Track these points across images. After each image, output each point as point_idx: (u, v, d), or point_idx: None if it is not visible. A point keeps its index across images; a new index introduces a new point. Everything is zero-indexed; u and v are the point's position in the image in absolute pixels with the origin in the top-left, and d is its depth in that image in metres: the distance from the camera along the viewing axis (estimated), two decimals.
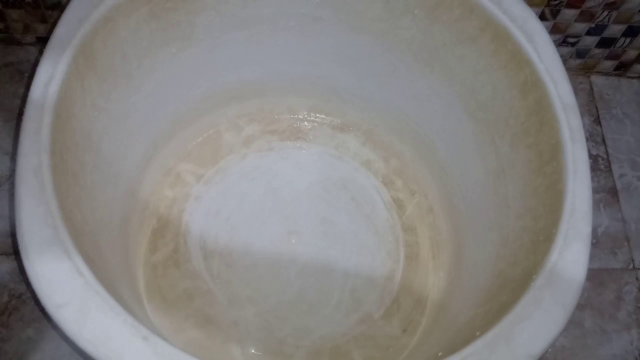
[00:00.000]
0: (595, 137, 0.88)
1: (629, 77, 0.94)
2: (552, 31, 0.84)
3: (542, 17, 0.81)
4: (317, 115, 0.81)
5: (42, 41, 0.86)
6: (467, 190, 0.69)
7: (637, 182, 0.86)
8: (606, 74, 0.93)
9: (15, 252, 0.73)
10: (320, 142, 0.80)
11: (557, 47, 0.58)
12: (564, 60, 0.73)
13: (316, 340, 0.68)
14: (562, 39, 0.86)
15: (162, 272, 0.70)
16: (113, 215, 0.62)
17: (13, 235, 0.74)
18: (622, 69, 0.92)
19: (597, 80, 0.93)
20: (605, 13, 0.81)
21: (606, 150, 0.87)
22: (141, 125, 0.67)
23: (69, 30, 0.53)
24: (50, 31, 0.64)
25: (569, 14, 0.81)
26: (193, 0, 0.62)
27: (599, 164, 0.86)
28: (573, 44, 0.87)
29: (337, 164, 0.79)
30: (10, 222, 0.75)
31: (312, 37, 0.70)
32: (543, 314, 0.46)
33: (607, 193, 0.84)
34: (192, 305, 0.68)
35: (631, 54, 0.89)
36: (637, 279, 0.79)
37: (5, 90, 0.83)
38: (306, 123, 0.81)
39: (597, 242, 0.81)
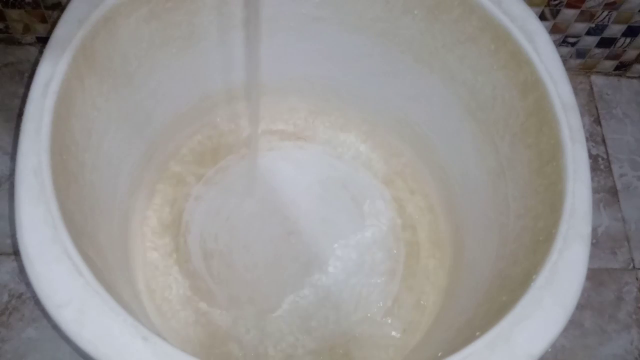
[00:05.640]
0: (595, 137, 0.88)
1: (629, 77, 0.94)
2: (552, 31, 0.84)
3: (542, 17, 0.81)
4: (317, 115, 0.81)
5: (42, 41, 0.86)
6: (467, 190, 0.69)
7: (637, 182, 0.86)
8: (606, 74, 0.93)
9: (15, 252, 0.73)
10: (320, 142, 0.80)
11: (557, 47, 0.58)
12: (564, 60, 0.72)
13: (316, 340, 0.68)
14: (562, 39, 0.86)
15: (162, 272, 0.70)
16: (113, 215, 0.62)
17: (13, 235, 0.74)
18: (622, 69, 0.92)
19: (597, 80, 0.93)
20: (605, 13, 0.81)
21: (606, 150, 0.87)
22: (141, 125, 0.67)
23: (69, 30, 0.53)
24: (50, 31, 0.64)
25: (569, 14, 0.81)
26: (193, 0, 0.62)
27: (599, 164, 0.86)
28: (573, 44, 0.87)
29: (337, 164, 0.79)
30: (10, 222, 0.75)
31: (312, 37, 0.70)
32: (543, 314, 0.46)
33: (607, 193, 0.84)
34: (191, 305, 0.68)
35: (631, 54, 0.89)
36: (637, 279, 0.79)
37: (5, 90, 0.83)
38: (306, 123, 0.81)
39: (597, 242, 0.81)
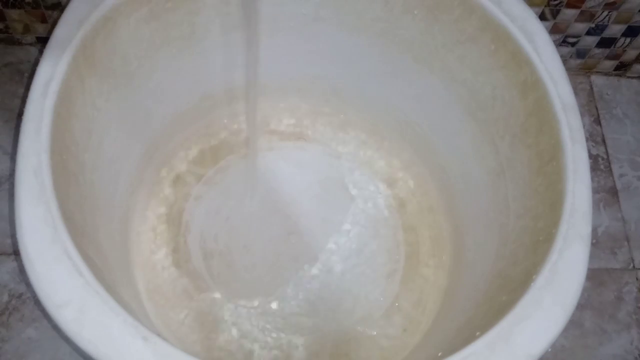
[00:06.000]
0: (595, 137, 0.88)
1: (629, 77, 0.94)
2: (552, 31, 0.84)
3: (542, 17, 0.81)
4: (317, 115, 0.81)
5: (42, 41, 0.86)
6: (467, 190, 0.69)
7: (637, 182, 0.86)
8: (606, 74, 0.93)
9: (15, 252, 0.73)
10: (320, 142, 0.80)
11: (557, 47, 0.58)
12: (564, 60, 0.72)
13: (316, 340, 0.68)
14: (562, 39, 0.86)
15: (162, 272, 0.70)
16: (113, 215, 0.62)
17: (13, 235, 0.74)
18: (622, 69, 0.92)
19: (597, 80, 0.93)
20: (605, 13, 0.81)
21: (606, 150, 0.88)
22: (141, 125, 0.67)
23: (69, 30, 0.53)
24: (50, 31, 0.64)
25: (569, 14, 0.81)
26: (193, 0, 0.62)
27: (599, 164, 0.86)
28: (573, 44, 0.87)
29: (337, 164, 0.79)
30: (10, 222, 0.75)
31: (312, 37, 0.70)
32: (543, 314, 0.46)
33: (607, 193, 0.84)
34: (191, 305, 0.68)
35: (631, 54, 0.89)
36: (637, 279, 0.79)
37: (5, 90, 0.83)
38: (306, 123, 0.81)
39: (597, 242, 0.81)
